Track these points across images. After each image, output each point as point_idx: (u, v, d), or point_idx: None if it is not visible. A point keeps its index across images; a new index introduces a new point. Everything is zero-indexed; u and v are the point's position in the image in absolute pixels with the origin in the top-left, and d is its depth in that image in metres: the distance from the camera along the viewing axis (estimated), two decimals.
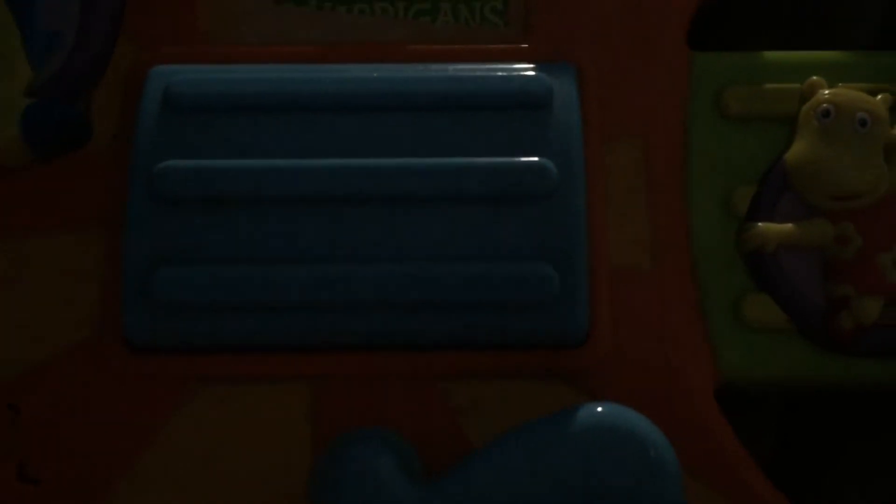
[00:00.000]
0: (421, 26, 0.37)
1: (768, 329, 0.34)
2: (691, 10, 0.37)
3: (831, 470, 0.40)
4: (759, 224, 0.34)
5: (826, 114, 0.34)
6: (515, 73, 0.34)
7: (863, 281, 0.33)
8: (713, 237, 0.35)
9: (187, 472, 0.33)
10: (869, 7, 0.43)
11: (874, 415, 0.40)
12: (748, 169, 0.35)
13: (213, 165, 0.32)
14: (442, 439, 0.32)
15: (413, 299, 0.32)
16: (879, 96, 0.35)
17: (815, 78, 0.35)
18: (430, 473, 0.31)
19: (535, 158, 0.33)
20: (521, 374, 0.33)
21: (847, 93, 0.35)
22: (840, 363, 0.34)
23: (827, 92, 0.35)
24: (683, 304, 0.34)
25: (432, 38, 0.36)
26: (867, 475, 0.40)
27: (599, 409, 0.30)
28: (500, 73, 0.34)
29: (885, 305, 0.33)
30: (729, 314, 0.34)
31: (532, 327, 0.32)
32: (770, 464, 0.40)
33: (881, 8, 0.43)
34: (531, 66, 0.34)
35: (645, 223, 0.35)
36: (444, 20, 0.37)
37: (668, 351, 0.34)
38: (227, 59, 0.35)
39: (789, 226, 0.34)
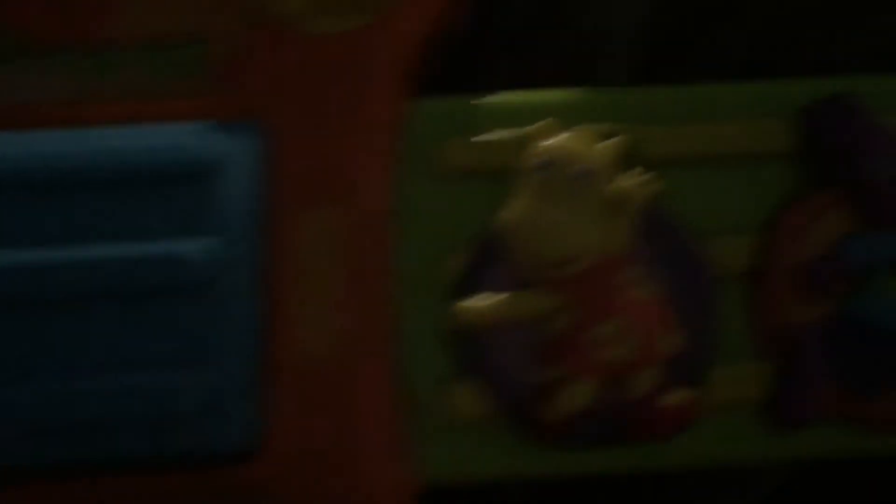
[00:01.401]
0: (92, 83, 0.32)
1: (476, 421, 0.30)
2: (412, 54, 0.33)
3: None
4: (464, 301, 0.30)
5: (542, 167, 0.30)
6: (174, 140, 0.29)
7: (576, 360, 0.29)
8: (421, 316, 0.30)
9: None
10: (620, 42, 0.39)
11: None
12: (466, 234, 0.31)
13: None
14: None
15: (35, 420, 0.27)
16: (612, 140, 0.31)
17: (543, 123, 0.31)
18: None
19: (177, 247, 0.28)
20: (184, 500, 0.28)
21: (566, 141, 0.30)
22: (560, 456, 0.30)
23: (547, 141, 0.31)
24: (382, 397, 0.30)
25: (105, 95, 0.32)
26: None
27: None
28: (153, 141, 0.29)
29: (603, 386, 0.29)
30: (434, 404, 0.30)
31: (184, 444, 0.27)
32: None
33: (632, 44, 0.39)
34: (201, 127, 0.30)
35: (343, 304, 0.30)
36: (121, 75, 0.32)
37: (360, 454, 0.29)
38: None
39: (497, 300, 0.29)
